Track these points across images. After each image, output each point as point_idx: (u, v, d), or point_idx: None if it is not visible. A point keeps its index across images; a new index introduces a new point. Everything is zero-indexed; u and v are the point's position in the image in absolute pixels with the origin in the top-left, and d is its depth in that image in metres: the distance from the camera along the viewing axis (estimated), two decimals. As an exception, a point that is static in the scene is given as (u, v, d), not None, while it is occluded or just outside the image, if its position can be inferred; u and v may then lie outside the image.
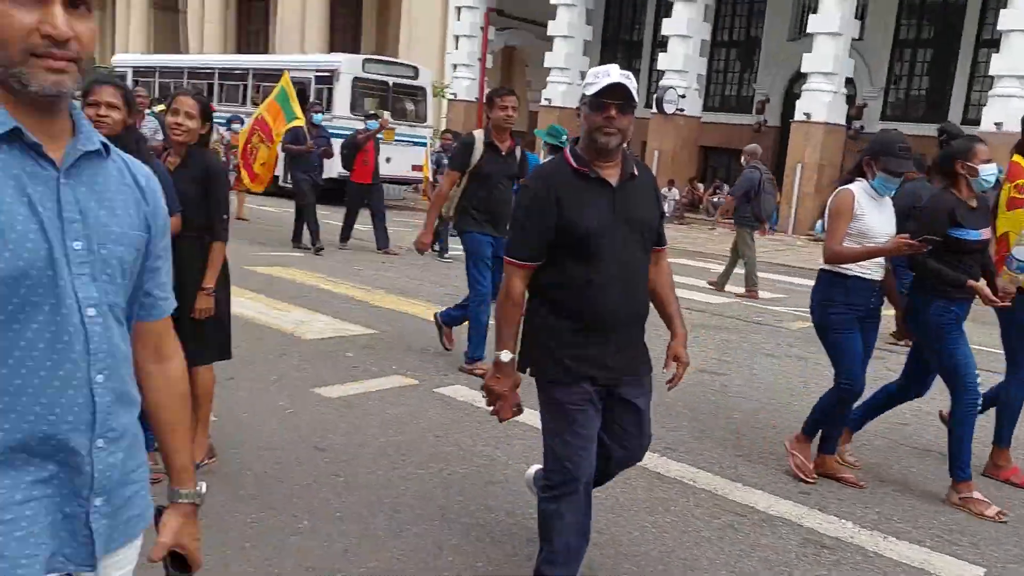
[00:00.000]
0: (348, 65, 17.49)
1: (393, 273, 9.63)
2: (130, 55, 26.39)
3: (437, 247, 10.72)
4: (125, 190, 1.39)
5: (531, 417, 4.81)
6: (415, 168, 16.84)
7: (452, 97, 23.71)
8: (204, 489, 1.58)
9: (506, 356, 2.72)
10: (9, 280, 1.21)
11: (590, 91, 2.63)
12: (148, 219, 1.42)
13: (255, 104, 18.29)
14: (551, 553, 2.82)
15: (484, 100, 5.60)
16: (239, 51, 30.81)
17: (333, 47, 28.66)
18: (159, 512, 1.53)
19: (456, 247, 9.04)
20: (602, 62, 21.92)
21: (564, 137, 6.12)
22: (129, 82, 20.83)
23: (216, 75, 20.10)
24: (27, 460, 1.27)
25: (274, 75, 18.43)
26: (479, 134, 5.61)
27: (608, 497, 3.75)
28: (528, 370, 2.84)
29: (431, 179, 10.91)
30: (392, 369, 5.66)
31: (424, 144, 17.20)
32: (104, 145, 1.36)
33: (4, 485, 1.26)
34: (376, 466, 4.01)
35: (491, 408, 2.83)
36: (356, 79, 17.29)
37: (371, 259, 10.55)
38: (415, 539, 3.35)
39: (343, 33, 32.06)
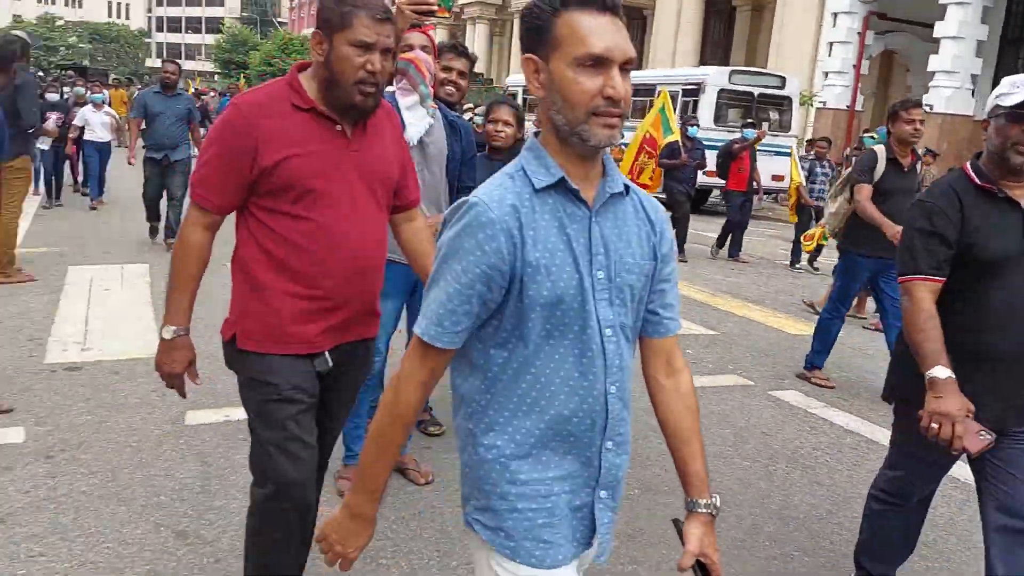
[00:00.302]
0: (715, 78, 17.70)
1: (741, 279, 9.72)
2: (521, 76, 28.94)
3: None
4: (639, 224, 1.56)
5: (863, 427, 4.79)
6: (775, 178, 16.58)
7: (821, 105, 22.83)
8: (719, 501, 1.65)
9: (942, 373, 2.27)
10: (549, 305, 1.44)
11: (1008, 102, 2.36)
12: (656, 249, 1.58)
13: (628, 119, 19.25)
14: (865, 543, 2.93)
15: (887, 113, 5.41)
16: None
17: (704, 59, 28.95)
18: (676, 524, 1.63)
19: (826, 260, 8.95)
20: (999, 65, 19.78)
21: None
22: (519, 100, 23.01)
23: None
24: (552, 454, 1.50)
25: (646, 90, 19.31)
26: (881, 150, 5.36)
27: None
28: (896, 397, 2.69)
29: (803, 183, 10.80)
30: (728, 368, 5.88)
31: (787, 154, 16.85)
32: (625, 187, 1.56)
33: (538, 477, 1.49)
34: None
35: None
36: (721, 91, 17.44)
37: (719, 265, 10.69)
38: (734, 520, 3.57)
39: (714, 46, 32.25)
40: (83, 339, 5.43)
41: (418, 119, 3.26)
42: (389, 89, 3.18)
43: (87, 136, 11.57)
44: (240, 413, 2.62)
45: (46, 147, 10.48)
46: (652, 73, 21.56)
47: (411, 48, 3.19)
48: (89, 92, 12.54)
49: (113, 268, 7.54)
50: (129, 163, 9.58)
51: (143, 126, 8.77)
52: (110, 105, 13.28)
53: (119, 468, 3.59)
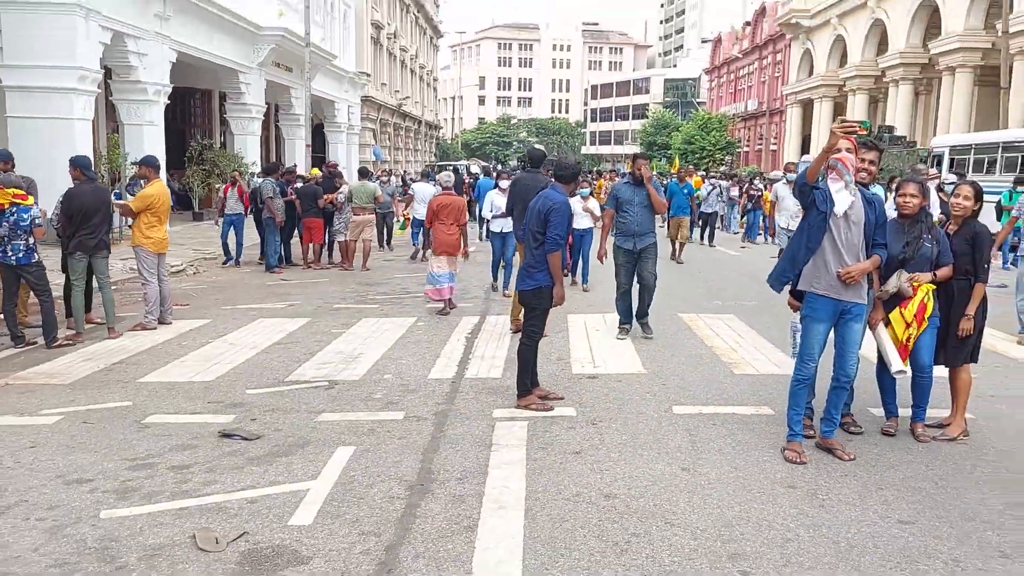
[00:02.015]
0: None
1: None
2: (949, 137, 28.01)
3: None
4: None
5: None
6: None
7: None
8: None
9: None
10: None
11: None
12: None
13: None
14: None
15: None
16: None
17: None
18: None
19: None
20: None
21: None
22: (946, 162, 22.59)
23: (1031, 148, 20.36)
24: None
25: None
26: None
27: None
28: None
29: None
30: None
31: None
32: None
33: None
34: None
35: None
36: None
37: None
38: None
39: None
40: (592, 358, 7.63)
41: (844, 199, 4.78)
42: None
43: (576, 225, 11.61)
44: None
45: None
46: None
47: (839, 151, 4.75)
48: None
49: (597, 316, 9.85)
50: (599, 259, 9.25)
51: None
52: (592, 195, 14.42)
53: (637, 432, 5.50)
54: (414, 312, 10.19)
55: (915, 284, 5.29)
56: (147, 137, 18.94)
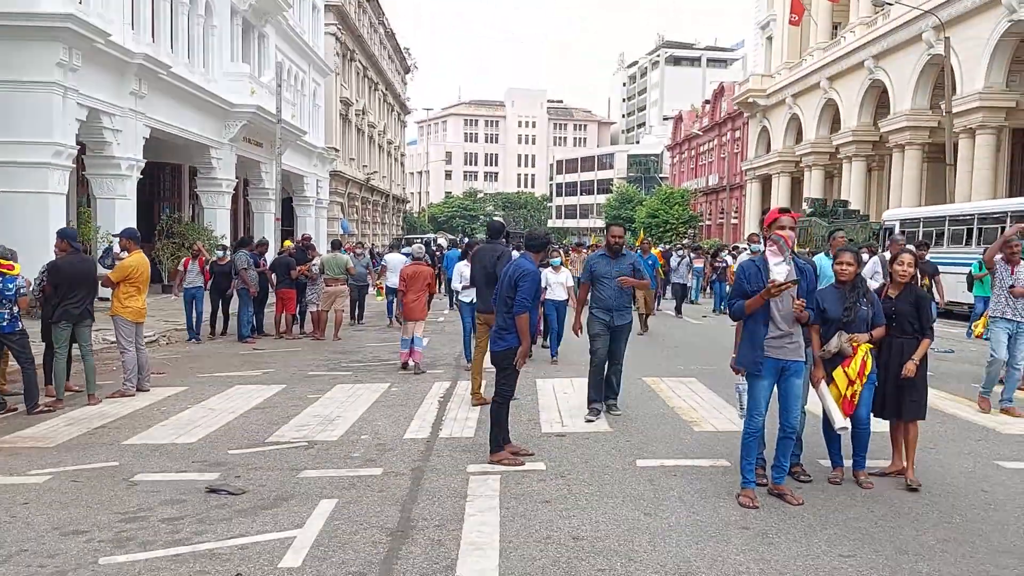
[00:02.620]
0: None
1: None
2: (899, 210, 29.21)
3: None
4: None
5: None
6: None
7: None
8: None
9: None
10: None
11: None
12: None
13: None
14: None
15: None
16: (1011, 194, 30.97)
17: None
18: None
19: None
20: None
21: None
22: (897, 232, 23.59)
23: (975, 220, 21.41)
24: None
25: (995, 218, 19.17)
26: None
27: None
28: None
29: None
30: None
31: None
32: None
33: None
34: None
35: None
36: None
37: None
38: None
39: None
40: (560, 418, 8.00)
41: (782, 270, 5.31)
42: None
43: (548, 296, 12.13)
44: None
45: None
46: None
47: (783, 228, 5.29)
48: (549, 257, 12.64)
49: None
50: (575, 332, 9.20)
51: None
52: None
53: (603, 483, 5.85)
54: (387, 378, 10.51)
55: (854, 344, 5.78)
56: (119, 211, 19.32)
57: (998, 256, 8.60)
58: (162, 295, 22.74)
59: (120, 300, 9.30)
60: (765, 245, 5.53)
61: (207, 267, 14.97)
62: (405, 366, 11.10)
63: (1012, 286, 8.48)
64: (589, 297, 8.38)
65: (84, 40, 16.34)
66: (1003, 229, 20.17)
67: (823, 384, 5.80)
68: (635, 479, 5.98)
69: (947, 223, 22.38)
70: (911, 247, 9.92)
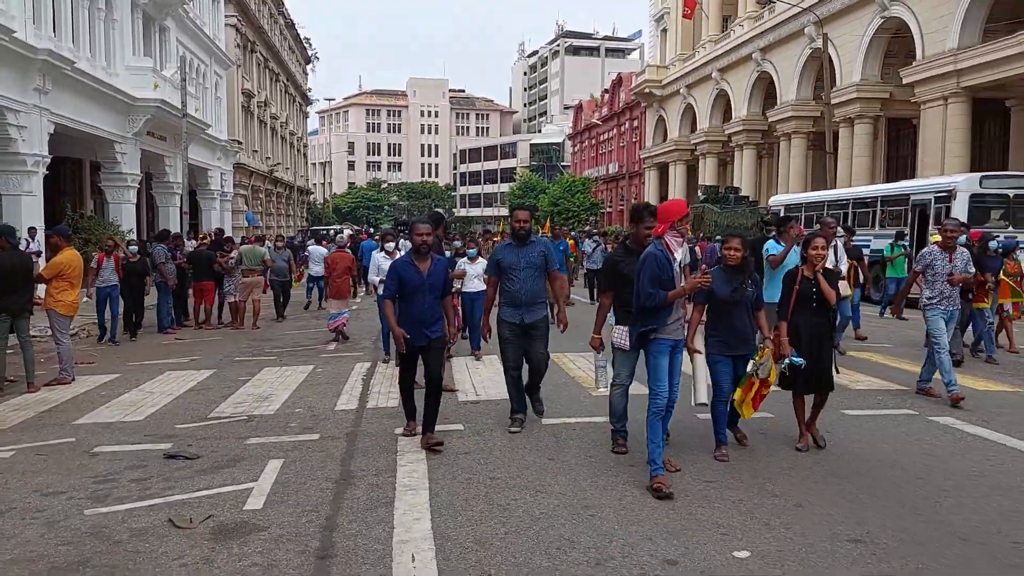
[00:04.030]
0: (965, 184, 19.06)
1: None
2: (784, 196, 31.24)
3: None
4: None
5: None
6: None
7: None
8: None
9: None
10: None
11: None
12: None
13: (882, 227, 21.10)
14: None
15: None
16: (888, 179, 33.42)
17: (978, 164, 29.39)
18: None
19: None
20: None
21: None
22: (782, 215, 25.33)
23: (850, 205, 23.33)
24: None
25: (898, 200, 21.05)
26: None
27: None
28: None
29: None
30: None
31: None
32: None
33: None
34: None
35: None
36: (973, 196, 18.74)
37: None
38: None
39: (990, 148, 32.42)
40: (474, 389, 8.94)
41: (682, 254, 5.95)
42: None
43: (466, 288, 11.69)
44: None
45: None
46: (904, 184, 22.95)
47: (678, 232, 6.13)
48: (466, 247, 12.81)
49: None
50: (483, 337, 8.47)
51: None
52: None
53: (513, 438, 6.82)
54: (311, 361, 11.25)
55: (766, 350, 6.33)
56: (25, 207, 19.28)
57: (935, 247, 8.69)
58: (69, 291, 22.63)
59: (53, 295, 9.77)
60: (669, 236, 5.73)
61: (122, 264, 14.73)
62: (337, 332, 13.35)
63: (951, 274, 8.46)
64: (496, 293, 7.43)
65: (-12, 37, 16.32)
66: (874, 213, 22.16)
67: (699, 357, 6.15)
68: (541, 434, 6.99)
69: (826, 208, 24.22)
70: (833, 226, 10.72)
